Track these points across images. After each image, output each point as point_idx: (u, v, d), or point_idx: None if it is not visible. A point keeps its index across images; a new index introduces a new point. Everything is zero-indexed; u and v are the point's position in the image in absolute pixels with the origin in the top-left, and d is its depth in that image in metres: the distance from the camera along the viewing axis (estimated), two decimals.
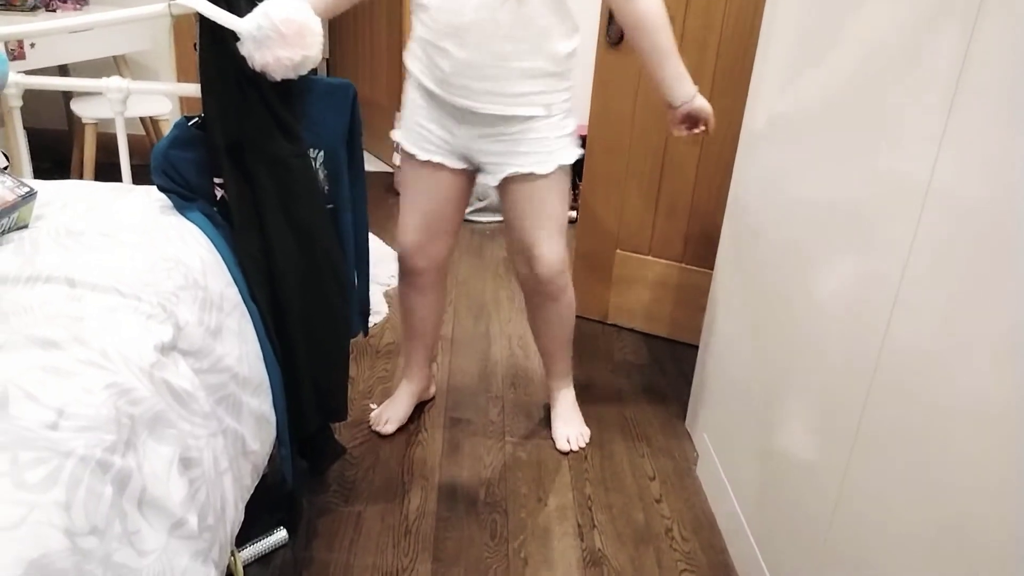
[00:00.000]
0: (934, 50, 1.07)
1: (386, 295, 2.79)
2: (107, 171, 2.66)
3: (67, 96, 3.51)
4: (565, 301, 1.97)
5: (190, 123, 1.48)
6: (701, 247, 2.51)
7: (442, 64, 1.68)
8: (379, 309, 2.69)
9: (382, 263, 2.88)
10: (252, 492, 1.39)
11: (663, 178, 2.51)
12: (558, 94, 1.74)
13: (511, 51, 1.64)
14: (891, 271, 1.15)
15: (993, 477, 0.92)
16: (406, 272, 1.96)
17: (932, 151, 1.06)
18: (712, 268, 2.09)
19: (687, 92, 1.76)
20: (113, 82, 1.73)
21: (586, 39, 1.79)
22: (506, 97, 1.69)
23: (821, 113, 1.43)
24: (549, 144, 1.76)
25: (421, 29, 1.70)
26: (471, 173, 1.86)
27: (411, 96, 1.80)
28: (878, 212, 1.20)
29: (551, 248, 1.84)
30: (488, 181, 1.82)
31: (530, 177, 1.77)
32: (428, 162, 1.80)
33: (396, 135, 1.86)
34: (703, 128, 1.82)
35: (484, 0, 1.59)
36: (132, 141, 1.85)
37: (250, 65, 1.39)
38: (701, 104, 1.79)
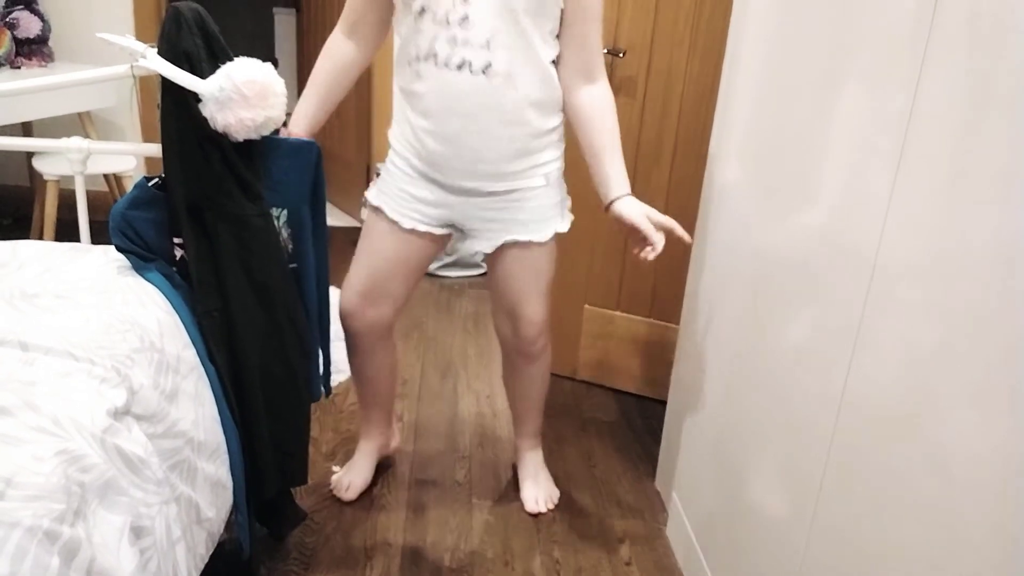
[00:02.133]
0: (881, 113, 1.10)
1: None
2: (69, 228, 2.62)
3: (30, 152, 3.48)
4: (544, 361, 1.96)
5: (150, 183, 1.46)
6: (668, 302, 2.52)
7: (437, 150, 1.65)
8: (342, 368, 2.65)
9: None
10: (207, 561, 1.34)
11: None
12: (555, 163, 1.73)
13: (510, 134, 1.63)
14: (849, 322, 1.16)
15: (955, 526, 0.91)
16: (347, 333, 1.89)
17: (882, 208, 1.08)
18: (679, 323, 2.09)
19: (613, 192, 1.67)
20: (74, 143, 1.72)
21: None
22: (511, 175, 1.68)
23: (777, 171, 1.45)
24: (547, 212, 1.75)
25: (411, 114, 1.66)
26: (447, 236, 1.83)
27: (397, 165, 1.74)
28: (833, 266, 1.22)
29: (536, 309, 1.83)
30: (482, 248, 1.78)
31: (527, 245, 1.75)
32: (411, 230, 1.75)
33: (373, 197, 1.78)
34: (649, 247, 1.64)
35: (478, 86, 1.57)
36: (95, 197, 1.83)
37: (212, 126, 1.39)
38: (630, 210, 1.65)
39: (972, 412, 0.90)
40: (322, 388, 1.75)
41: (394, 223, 1.76)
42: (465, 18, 1.54)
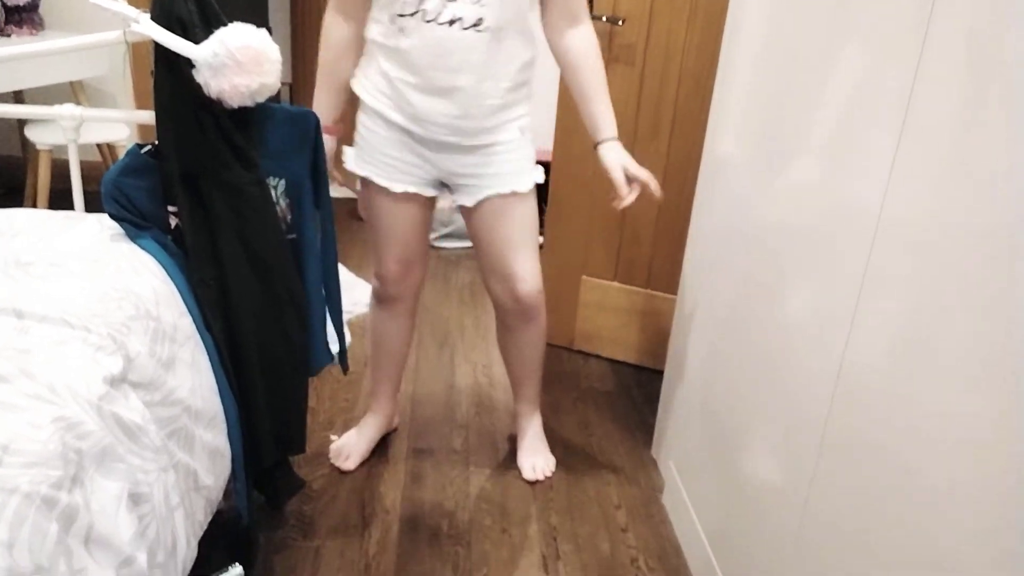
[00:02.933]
0: (883, 84, 1.09)
1: (348, 324, 2.76)
2: (62, 197, 2.60)
3: (21, 122, 3.45)
4: (540, 323, 1.96)
5: (143, 150, 1.45)
6: (666, 273, 2.52)
7: (422, 104, 1.65)
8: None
9: (346, 292, 2.85)
10: (206, 528, 1.35)
11: None
12: (526, 116, 1.75)
13: (491, 88, 1.64)
14: (847, 295, 1.15)
15: (953, 496, 0.92)
16: (385, 300, 1.95)
17: (883, 180, 1.08)
18: (676, 294, 2.09)
19: (599, 135, 1.73)
20: (66, 110, 1.70)
21: (551, 67, 1.79)
22: (487, 131, 1.70)
23: (777, 143, 1.44)
24: (523, 163, 1.76)
25: (391, 68, 1.66)
26: (435, 197, 1.85)
27: (371, 128, 1.74)
28: (832, 238, 1.21)
29: (530, 268, 1.83)
30: (464, 202, 1.78)
31: (509, 197, 1.75)
32: (403, 193, 1.77)
33: (355, 167, 1.79)
34: (631, 192, 1.72)
35: (469, 41, 1.58)
36: (88, 167, 1.81)
37: (206, 92, 1.37)
38: (608, 158, 1.72)
39: (971, 389, 0.90)
40: (339, 363, 1.76)
41: (385, 190, 1.77)
42: None
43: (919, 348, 0.99)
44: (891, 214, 1.06)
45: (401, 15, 1.59)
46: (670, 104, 2.37)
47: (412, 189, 1.77)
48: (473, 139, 1.70)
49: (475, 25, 1.57)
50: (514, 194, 1.76)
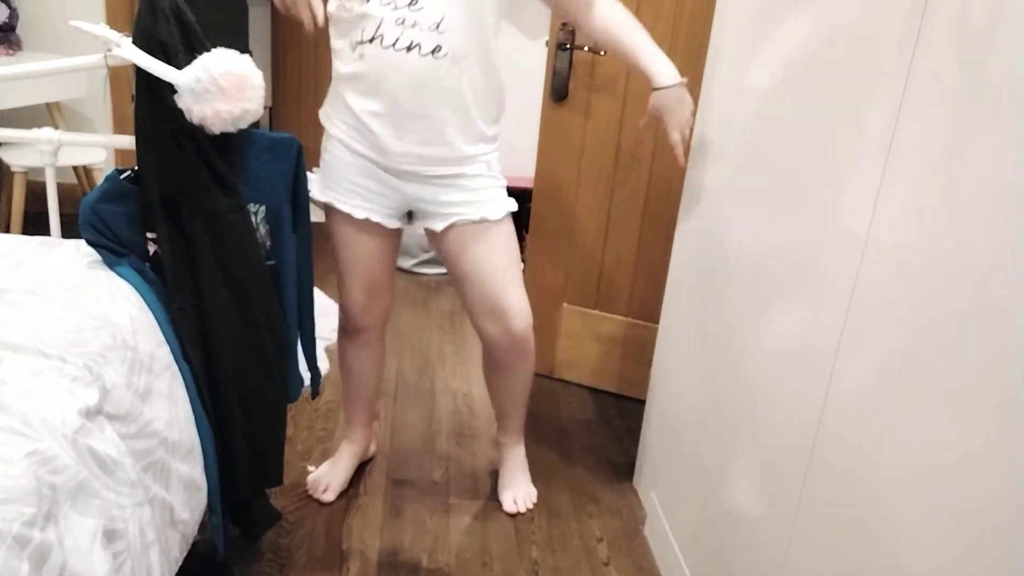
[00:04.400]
0: (868, 111, 1.09)
1: (327, 350, 2.72)
2: (36, 220, 2.56)
3: None
4: (531, 355, 1.92)
5: (122, 176, 1.43)
6: (647, 302, 2.51)
7: (379, 132, 1.64)
8: (319, 366, 2.62)
9: (323, 317, 2.81)
10: (181, 563, 1.31)
11: (608, 232, 2.52)
12: (493, 155, 1.75)
13: (453, 117, 1.64)
14: (832, 325, 1.15)
15: (937, 530, 0.91)
16: (351, 331, 1.92)
17: (868, 208, 1.08)
18: (658, 323, 2.09)
19: (653, 82, 1.72)
20: (44, 133, 1.67)
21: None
22: (453, 162, 1.69)
23: (760, 171, 1.45)
24: (492, 193, 1.75)
25: (353, 97, 1.65)
26: (400, 230, 1.83)
27: (335, 154, 1.72)
28: (817, 267, 1.21)
29: (520, 300, 1.80)
30: (433, 226, 1.75)
31: (480, 224, 1.73)
32: (365, 220, 1.74)
33: (319, 194, 1.76)
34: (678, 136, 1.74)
35: (426, 68, 1.57)
36: (64, 190, 1.78)
37: (188, 118, 1.36)
38: (655, 104, 1.73)
39: (956, 419, 0.89)
40: (310, 389, 1.74)
41: (348, 217, 1.75)
42: (414, 0, 1.54)
43: (905, 378, 0.99)
44: (877, 242, 1.07)
45: (360, 42, 1.59)
46: (652, 132, 2.38)
47: (375, 218, 1.74)
48: (438, 168, 1.68)
49: (433, 52, 1.56)
50: (484, 221, 1.73)
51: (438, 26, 1.55)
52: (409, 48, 1.56)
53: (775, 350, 1.35)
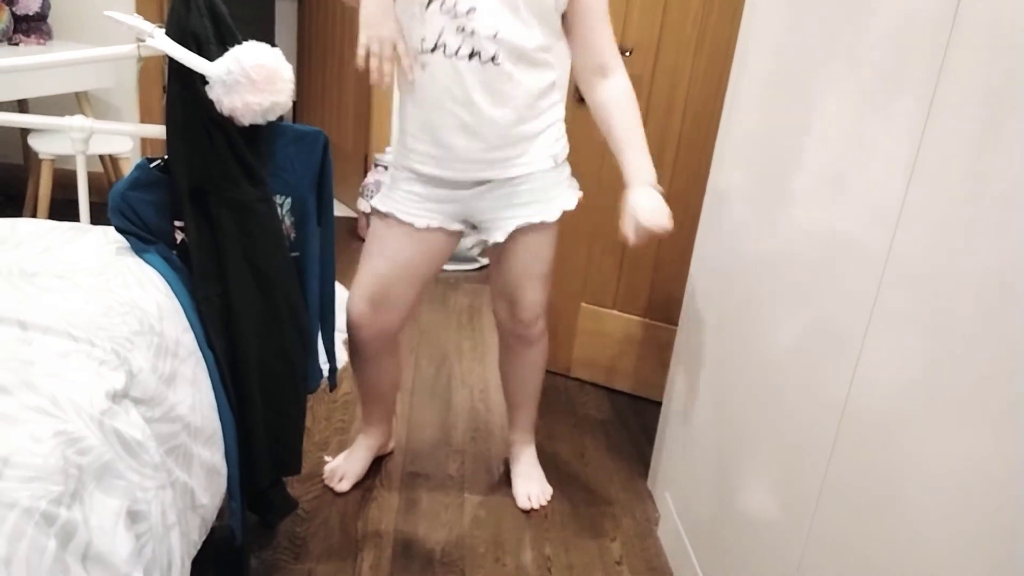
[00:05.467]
0: (894, 119, 1.09)
1: (344, 343, 2.74)
2: (62, 208, 2.60)
3: (24, 130, 3.45)
4: (540, 348, 1.97)
5: (152, 165, 1.45)
6: (665, 303, 2.52)
7: (446, 141, 1.65)
8: (338, 357, 2.64)
9: (342, 310, 2.84)
10: (199, 547, 1.33)
11: None
12: (559, 141, 1.75)
13: (518, 119, 1.65)
14: (853, 329, 1.15)
15: (956, 538, 0.91)
16: (352, 341, 1.89)
17: (893, 216, 1.08)
18: (676, 324, 2.09)
19: (627, 181, 1.67)
20: (76, 121, 1.70)
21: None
22: (521, 162, 1.70)
23: (784, 175, 1.45)
24: (553, 190, 1.75)
25: (415, 110, 1.66)
26: (459, 234, 1.82)
27: (401, 178, 1.74)
28: (839, 274, 1.21)
29: (534, 294, 1.84)
30: (495, 239, 1.76)
31: (537, 227, 1.75)
32: (425, 228, 1.75)
33: (381, 205, 1.77)
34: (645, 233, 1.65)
35: (487, 75, 1.59)
36: (91, 179, 1.81)
37: (218, 109, 1.37)
38: (630, 204, 1.64)
39: (976, 429, 0.89)
40: (328, 381, 1.75)
41: (408, 225, 1.74)
42: (472, 9, 1.55)
43: (926, 384, 0.99)
44: (900, 251, 1.07)
45: (422, 52, 1.60)
46: (675, 134, 2.38)
47: (435, 223, 1.75)
48: (504, 171, 1.69)
49: (493, 59, 1.58)
50: (542, 224, 1.75)
51: (495, 35, 1.56)
52: (470, 56, 1.58)
53: (795, 355, 1.35)
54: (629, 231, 1.65)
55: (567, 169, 1.80)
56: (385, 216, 1.77)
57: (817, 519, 1.23)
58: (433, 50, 1.59)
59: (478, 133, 1.64)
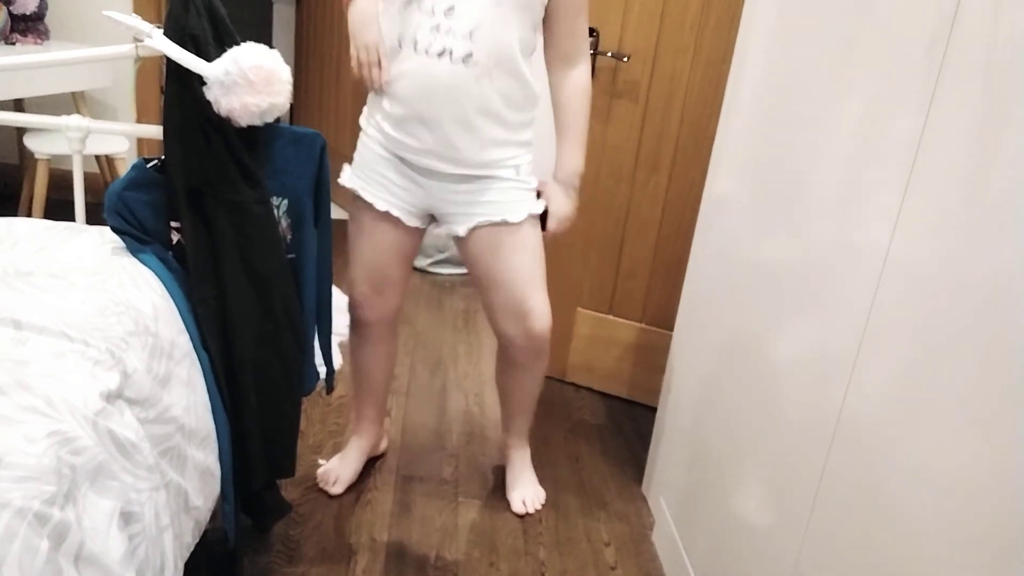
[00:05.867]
0: (892, 126, 1.10)
1: (341, 346, 2.74)
2: (58, 207, 2.59)
3: (20, 130, 3.44)
4: (546, 357, 1.94)
5: (148, 165, 1.45)
6: (661, 308, 2.52)
7: (410, 137, 1.67)
8: (335, 359, 2.63)
9: (338, 313, 2.83)
10: (192, 550, 1.32)
11: (625, 239, 2.52)
12: (524, 157, 1.76)
13: (482, 123, 1.65)
14: (849, 336, 1.15)
15: (950, 543, 0.91)
16: (357, 324, 1.93)
17: (890, 223, 1.08)
18: (671, 329, 2.09)
19: (556, 171, 1.80)
20: (73, 120, 1.69)
21: (547, 97, 1.80)
22: (477, 164, 1.70)
23: (781, 181, 1.45)
24: (516, 195, 1.75)
25: (386, 102, 1.68)
26: (422, 230, 1.84)
27: (368, 145, 1.76)
28: (836, 280, 1.21)
29: (542, 302, 1.82)
30: (457, 231, 1.77)
31: (501, 227, 1.74)
32: (385, 214, 1.77)
33: (348, 181, 1.79)
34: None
35: (457, 74, 1.59)
36: (87, 179, 1.80)
37: (216, 110, 1.37)
38: (545, 194, 1.79)
39: (972, 437, 0.90)
40: (325, 384, 1.75)
41: (370, 207, 1.77)
42: (451, 8, 1.57)
43: (922, 391, 0.99)
44: (897, 255, 1.07)
45: (397, 46, 1.63)
46: (671, 140, 2.39)
47: (395, 212, 1.76)
48: (463, 169, 1.70)
49: (464, 59, 1.59)
50: (505, 223, 1.74)
51: (471, 34, 1.57)
52: (441, 54, 1.58)
53: (791, 360, 1.35)
54: (551, 220, 1.81)
55: (532, 181, 1.78)
56: (355, 197, 1.79)
57: (812, 524, 1.23)
58: (404, 46, 1.61)
59: (438, 131, 1.64)
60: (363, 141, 1.78)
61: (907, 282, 1.04)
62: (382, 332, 1.95)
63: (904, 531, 1.01)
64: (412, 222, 1.79)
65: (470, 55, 1.58)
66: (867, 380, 1.12)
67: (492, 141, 1.68)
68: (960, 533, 0.91)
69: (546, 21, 1.71)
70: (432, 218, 1.83)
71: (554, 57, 1.76)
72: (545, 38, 1.74)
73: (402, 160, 1.72)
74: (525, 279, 1.78)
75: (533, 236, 1.79)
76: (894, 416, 1.04)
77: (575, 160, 1.80)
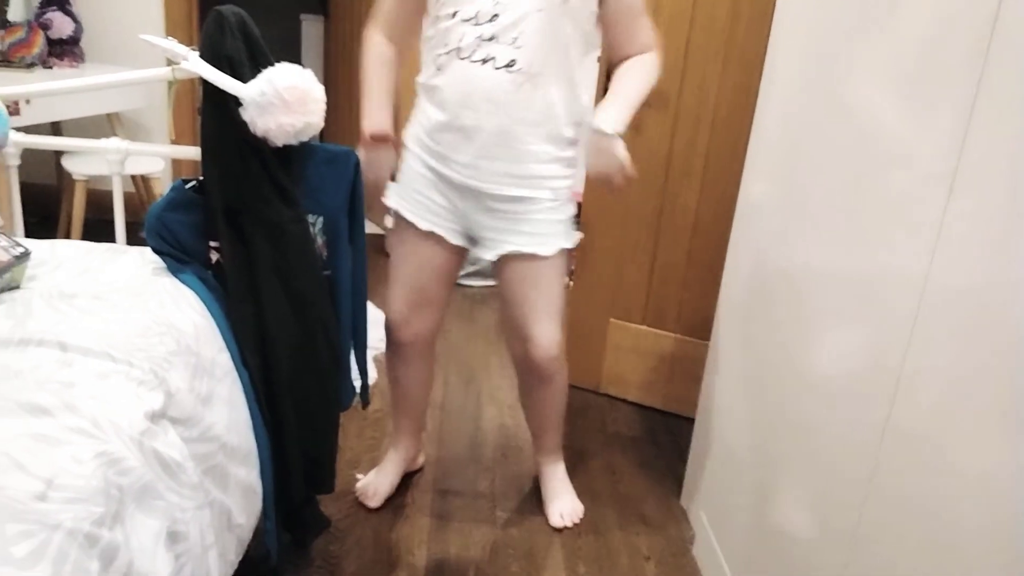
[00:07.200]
0: (932, 130, 1.08)
1: (375, 360, 2.75)
2: (95, 227, 2.63)
3: (57, 152, 3.51)
4: (558, 384, 1.94)
5: (187, 186, 1.46)
6: (696, 318, 2.50)
7: (453, 146, 1.67)
8: (370, 374, 2.64)
9: (372, 327, 2.84)
10: (236, 567, 1.33)
11: (658, 248, 2.51)
12: (564, 180, 1.74)
13: (524, 133, 1.64)
14: (895, 345, 1.13)
15: (1000, 556, 0.89)
16: (392, 343, 1.93)
17: (932, 234, 1.06)
18: (707, 339, 2.07)
19: (606, 123, 1.64)
20: (112, 143, 1.72)
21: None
22: (517, 179, 1.69)
23: (817, 190, 1.43)
24: (551, 227, 1.74)
25: (429, 107, 1.69)
26: (464, 250, 1.84)
27: (412, 166, 1.76)
28: (877, 292, 1.19)
29: (546, 331, 1.80)
30: (485, 256, 1.78)
31: (531, 258, 1.74)
32: (428, 233, 1.77)
33: (391, 201, 1.81)
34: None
35: (499, 81, 1.59)
36: (124, 198, 1.83)
37: (252, 131, 1.39)
38: (589, 145, 1.66)
39: (1020, 443, 0.88)
40: (359, 399, 1.75)
41: (412, 226, 1.78)
42: (495, 16, 1.57)
43: (968, 405, 0.97)
44: (940, 265, 1.05)
45: (440, 55, 1.63)
46: (703, 148, 2.37)
47: (437, 231, 1.77)
48: (500, 186, 1.68)
49: (507, 65, 1.58)
50: (534, 257, 1.74)
51: (515, 41, 1.57)
52: (484, 61, 1.59)
53: (833, 373, 1.33)
54: (589, 172, 1.71)
55: (569, 210, 1.77)
56: (398, 217, 1.80)
57: (859, 537, 1.21)
58: (449, 53, 1.61)
59: (477, 139, 1.64)
60: (407, 159, 1.78)
61: (951, 293, 1.02)
62: (419, 351, 1.95)
63: (952, 545, 0.98)
64: (455, 240, 1.79)
65: (513, 62, 1.58)
66: (913, 393, 1.10)
67: (533, 156, 1.67)
68: (1014, 540, 0.88)
69: (605, 29, 1.71)
70: (472, 240, 1.83)
71: (620, 64, 1.75)
72: (611, 45, 1.74)
73: (442, 178, 1.72)
74: (535, 306, 1.78)
75: (557, 267, 1.78)
76: (944, 424, 1.02)
77: (614, 113, 1.66)
